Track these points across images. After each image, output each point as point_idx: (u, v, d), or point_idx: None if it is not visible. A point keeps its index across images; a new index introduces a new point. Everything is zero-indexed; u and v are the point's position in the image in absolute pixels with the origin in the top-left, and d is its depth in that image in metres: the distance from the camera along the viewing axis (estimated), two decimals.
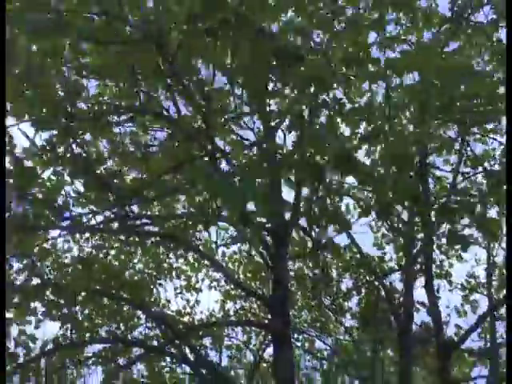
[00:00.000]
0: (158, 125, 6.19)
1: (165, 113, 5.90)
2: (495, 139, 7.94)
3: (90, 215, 6.06)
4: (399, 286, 10.17)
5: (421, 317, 9.66)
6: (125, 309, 8.93)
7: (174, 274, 10.03)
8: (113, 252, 9.11)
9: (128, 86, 5.50)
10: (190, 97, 5.20)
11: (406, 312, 9.12)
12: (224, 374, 8.08)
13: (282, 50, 4.36)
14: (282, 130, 5.87)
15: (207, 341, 9.88)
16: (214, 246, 8.59)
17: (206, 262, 9.62)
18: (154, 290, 9.89)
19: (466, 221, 5.20)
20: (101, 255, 8.63)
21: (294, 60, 4.41)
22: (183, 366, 8.93)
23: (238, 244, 9.63)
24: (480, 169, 7.45)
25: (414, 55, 5.28)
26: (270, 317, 7.83)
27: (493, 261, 10.13)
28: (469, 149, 7.58)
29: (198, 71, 5.14)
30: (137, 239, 8.54)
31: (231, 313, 10.61)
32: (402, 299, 9.37)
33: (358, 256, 10.07)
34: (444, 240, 9.12)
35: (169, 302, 10.07)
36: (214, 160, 5.58)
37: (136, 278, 9.60)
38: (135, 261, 9.77)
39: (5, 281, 4.66)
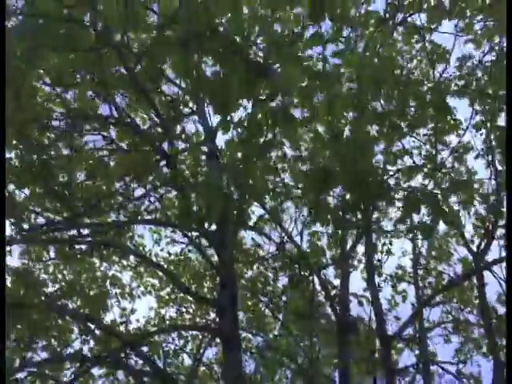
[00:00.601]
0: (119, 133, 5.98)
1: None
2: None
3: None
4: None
5: (359, 309, 10.15)
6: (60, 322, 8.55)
7: (108, 282, 9.71)
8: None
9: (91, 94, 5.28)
10: (150, 104, 5.07)
11: (342, 304, 9.49)
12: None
13: (254, 63, 4.38)
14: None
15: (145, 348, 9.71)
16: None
17: (143, 267, 9.44)
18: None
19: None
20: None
21: (264, 72, 4.45)
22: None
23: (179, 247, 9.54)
24: None
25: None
26: (217, 320, 7.83)
27: (418, 252, 10.78)
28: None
29: (162, 79, 5.03)
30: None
31: (169, 318, 10.46)
32: (337, 292, 9.76)
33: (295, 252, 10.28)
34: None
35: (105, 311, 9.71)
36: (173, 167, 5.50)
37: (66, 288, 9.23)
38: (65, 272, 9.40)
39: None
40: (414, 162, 8.75)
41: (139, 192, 7.10)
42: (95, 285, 9.38)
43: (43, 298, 8.04)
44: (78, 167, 6.02)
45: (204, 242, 8.27)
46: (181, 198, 5.62)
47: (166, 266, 9.25)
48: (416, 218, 7.24)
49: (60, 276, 9.33)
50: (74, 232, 6.89)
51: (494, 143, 8.91)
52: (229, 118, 5.64)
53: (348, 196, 5.30)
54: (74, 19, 4.07)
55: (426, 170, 8.67)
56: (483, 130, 8.90)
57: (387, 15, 8.20)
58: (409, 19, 8.76)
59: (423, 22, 8.43)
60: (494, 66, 8.19)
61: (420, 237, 10.25)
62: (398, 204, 5.49)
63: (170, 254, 9.87)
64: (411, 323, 9.07)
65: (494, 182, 8.77)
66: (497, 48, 8.53)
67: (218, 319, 7.68)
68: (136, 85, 4.67)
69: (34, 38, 3.75)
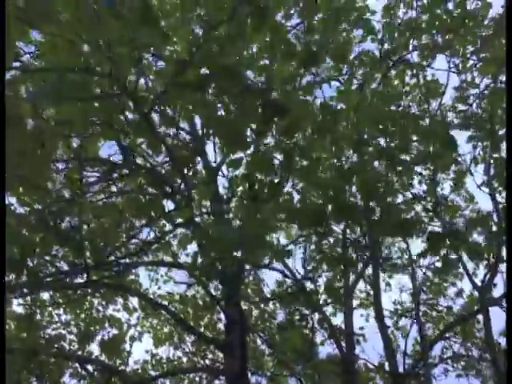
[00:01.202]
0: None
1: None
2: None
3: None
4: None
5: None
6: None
7: (107, 323, 9.48)
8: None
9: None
10: (160, 146, 5.05)
11: (348, 343, 9.35)
12: None
13: (270, 103, 4.41)
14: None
15: None
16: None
17: (143, 307, 9.27)
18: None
19: None
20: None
21: (281, 112, 4.47)
22: None
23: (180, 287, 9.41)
24: None
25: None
26: (223, 360, 7.67)
27: (418, 287, 10.70)
28: None
29: (176, 123, 5.04)
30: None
31: (170, 358, 10.23)
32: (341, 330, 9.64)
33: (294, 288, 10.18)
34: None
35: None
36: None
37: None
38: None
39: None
40: (413, 196, 8.86)
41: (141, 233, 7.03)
42: (95, 326, 9.17)
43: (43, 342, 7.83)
44: (86, 211, 5.92)
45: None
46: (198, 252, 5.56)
47: (167, 305, 9.07)
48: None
49: (56, 318, 9.15)
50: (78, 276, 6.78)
51: (493, 174, 8.99)
52: (239, 157, 5.68)
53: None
54: (87, 68, 4.06)
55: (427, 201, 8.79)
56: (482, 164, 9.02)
57: (381, 54, 8.32)
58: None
59: (416, 59, 8.59)
60: (490, 102, 8.34)
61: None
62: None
63: (169, 294, 9.72)
64: (421, 360, 8.94)
65: (495, 213, 8.80)
66: (492, 83, 8.68)
67: (224, 359, 7.51)
68: (149, 129, 4.65)
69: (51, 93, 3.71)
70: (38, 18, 3.51)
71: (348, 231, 8.46)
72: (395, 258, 9.79)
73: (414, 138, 6.29)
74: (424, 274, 10.50)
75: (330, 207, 4.60)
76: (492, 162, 8.82)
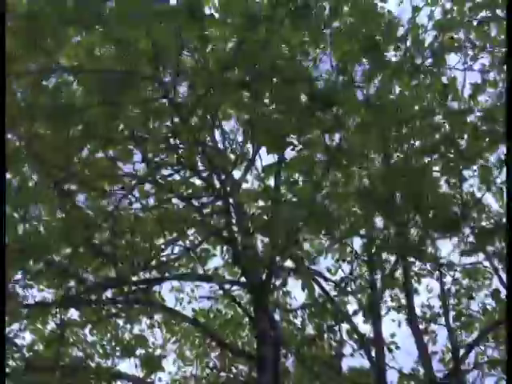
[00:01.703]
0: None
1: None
2: None
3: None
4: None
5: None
6: None
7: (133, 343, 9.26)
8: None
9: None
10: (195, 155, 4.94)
11: (378, 353, 9.12)
12: None
13: (317, 95, 4.30)
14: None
15: None
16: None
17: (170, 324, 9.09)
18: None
19: None
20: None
21: (328, 104, 4.36)
22: None
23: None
24: None
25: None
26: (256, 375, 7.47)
27: (446, 291, 10.46)
28: None
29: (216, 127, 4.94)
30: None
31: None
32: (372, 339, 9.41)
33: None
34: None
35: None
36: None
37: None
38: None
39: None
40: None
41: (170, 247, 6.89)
42: (121, 346, 8.95)
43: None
44: (119, 224, 5.79)
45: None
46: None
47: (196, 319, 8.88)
48: None
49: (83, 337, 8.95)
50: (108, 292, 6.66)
51: None
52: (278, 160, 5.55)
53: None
54: (134, 72, 3.96)
55: None
56: None
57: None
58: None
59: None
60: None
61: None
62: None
63: (194, 311, 9.54)
64: (458, 366, 8.69)
65: None
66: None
67: (257, 374, 7.31)
68: (191, 134, 4.53)
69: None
70: (89, 18, 3.41)
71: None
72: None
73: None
74: (453, 277, 10.29)
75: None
76: None
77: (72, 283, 5.93)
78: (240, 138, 5.94)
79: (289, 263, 8.70)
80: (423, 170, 4.87)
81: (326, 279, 9.40)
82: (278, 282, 9.45)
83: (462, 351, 9.44)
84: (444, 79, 8.68)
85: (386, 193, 4.71)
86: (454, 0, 6.88)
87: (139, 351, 9.15)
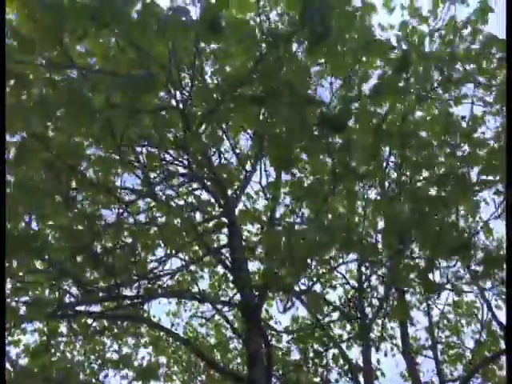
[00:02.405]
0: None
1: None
2: None
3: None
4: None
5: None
6: None
7: (121, 363, 9.08)
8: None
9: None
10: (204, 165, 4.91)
11: (367, 380, 9.02)
12: None
13: (327, 117, 4.32)
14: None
15: None
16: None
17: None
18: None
19: None
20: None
21: (338, 127, 4.38)
22: None
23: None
24: None
25: None
26: None
27: (433, 323, 10.43)
28: None
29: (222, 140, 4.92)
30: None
31: None
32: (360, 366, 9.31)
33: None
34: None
35: None
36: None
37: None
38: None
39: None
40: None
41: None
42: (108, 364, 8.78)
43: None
44: (120, 234, 5.71)
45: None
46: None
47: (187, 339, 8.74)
48: None
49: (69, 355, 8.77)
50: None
51: None
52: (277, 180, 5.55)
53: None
54: (150, 78, 3.94)
55: None
56: None
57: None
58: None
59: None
60: None
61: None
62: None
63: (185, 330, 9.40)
64: None
65: None
66: None
67: None
68: (198, 146, 4.52)
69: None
70: (111, 17, 3.40)
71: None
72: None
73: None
74: (442, 311, 10.29)
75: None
76: None
77: (67, 287, 5.79)
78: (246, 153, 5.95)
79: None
80: (433, 199, 4.89)
81: None
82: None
83: None
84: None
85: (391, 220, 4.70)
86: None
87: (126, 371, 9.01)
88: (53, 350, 7.80)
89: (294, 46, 4.45)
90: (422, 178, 5.52)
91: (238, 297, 7.36)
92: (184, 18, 3.88)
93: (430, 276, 4.98)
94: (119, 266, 5.64)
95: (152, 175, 6.06)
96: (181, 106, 4.47)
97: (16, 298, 4.96)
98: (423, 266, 4.82)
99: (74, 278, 5.27)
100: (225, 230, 6.52)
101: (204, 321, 9.18)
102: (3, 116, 3.54)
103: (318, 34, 4.26)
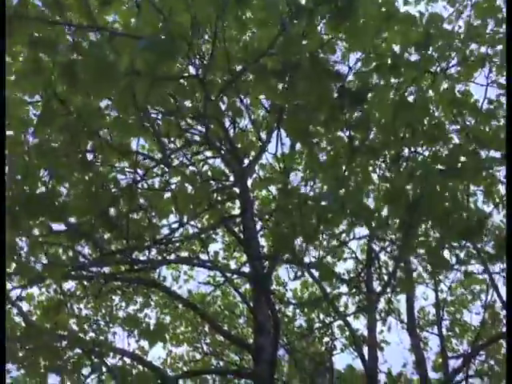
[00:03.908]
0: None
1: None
2: None
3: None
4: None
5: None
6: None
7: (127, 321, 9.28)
8: None
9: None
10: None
11: (371, 352, 9.18)
12: None
13: (347, 90, 4.30)
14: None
15: None
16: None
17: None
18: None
19: None
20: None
21: (357, 101, 4.36)
22: None
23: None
24: None
25: None
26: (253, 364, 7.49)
27: (441, 299, 10.53)
28: None
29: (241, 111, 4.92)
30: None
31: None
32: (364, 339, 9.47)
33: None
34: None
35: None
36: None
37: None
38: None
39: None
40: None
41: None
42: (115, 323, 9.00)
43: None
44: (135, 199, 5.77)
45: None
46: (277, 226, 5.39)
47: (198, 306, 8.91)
48: None
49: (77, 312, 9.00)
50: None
51: None
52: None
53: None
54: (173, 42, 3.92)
55: None
56: None
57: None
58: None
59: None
60: None
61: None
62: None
63: (189, 292, 9.57)
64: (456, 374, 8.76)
65: None
66: None
67: (254, 364, 7.33)
68: (217, 114, 4.53)
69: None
70: None
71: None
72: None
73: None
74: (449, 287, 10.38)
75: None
76: None
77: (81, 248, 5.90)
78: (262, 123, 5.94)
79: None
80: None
81: None
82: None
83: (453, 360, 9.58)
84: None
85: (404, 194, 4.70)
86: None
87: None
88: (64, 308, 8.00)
89: (317, 20, 4.40)
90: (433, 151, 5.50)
91: (248, 267, 7.50)
92: None
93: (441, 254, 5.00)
94: (133, 230, 5.72)
95: (168, 142, 6.10)
96: (201, 74, 4.47)
97: (32, 258, 5.06)
98: (434, 243, 4.83)
99: (89, 240, 5.35)
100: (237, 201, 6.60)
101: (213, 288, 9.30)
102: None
103: (340, 8, 4.22)
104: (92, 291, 7.63)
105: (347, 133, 4.72)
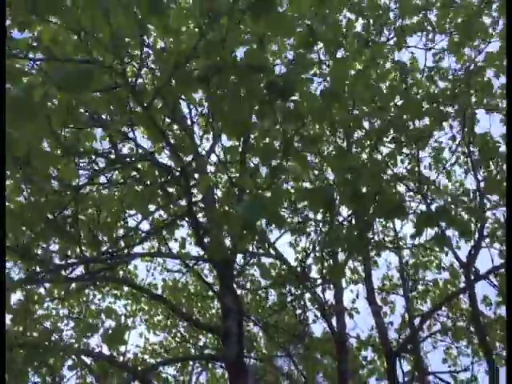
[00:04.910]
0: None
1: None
2: None
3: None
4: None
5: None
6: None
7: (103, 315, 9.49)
8: None
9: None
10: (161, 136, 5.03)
11: (339, 320, 9.57)
12: None
13: (275, 84, 4.44)
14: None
15: None
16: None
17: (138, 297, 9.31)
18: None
19: None
20: None
21: (286, 94, 4.50)
22: None
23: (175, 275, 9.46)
24: None
25: None
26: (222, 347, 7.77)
27: (405, 263, 10.94)
28: None
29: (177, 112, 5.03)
30: None
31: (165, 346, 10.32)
32: (332, 308, 9.84)
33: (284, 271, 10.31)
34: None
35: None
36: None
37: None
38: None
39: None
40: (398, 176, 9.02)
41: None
42: (92, 318, 9.19)
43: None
44: (84, 202, 5.90)
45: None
46: (211, 232, 5.60)
47: (164, 295, 9.14)
48: None
49: (54, 312, 9.17)
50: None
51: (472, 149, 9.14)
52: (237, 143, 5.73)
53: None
54: (89, 60, 4.03)
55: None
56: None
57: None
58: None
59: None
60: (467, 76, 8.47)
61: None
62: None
63: (164, 281, 9.78)
64: (415, 334, 9.19)
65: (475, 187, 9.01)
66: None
67: (223, 346, 7.62)
68: (151, 121, 4.64)
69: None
70: (43, 5, 3.46)
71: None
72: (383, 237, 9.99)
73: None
74: (411, 251, 10.76)
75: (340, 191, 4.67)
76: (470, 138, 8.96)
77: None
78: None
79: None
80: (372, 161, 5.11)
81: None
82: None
83: (418, 320, 10.02)
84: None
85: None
86: None
87: (108, 323, 9.42)
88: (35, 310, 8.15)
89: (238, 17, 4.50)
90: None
91: None
92: None
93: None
94: (85, 233, 5.87)
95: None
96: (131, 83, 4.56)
97: None
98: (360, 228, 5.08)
99: (38, 258, 5.48)
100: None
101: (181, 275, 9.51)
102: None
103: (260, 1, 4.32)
104: (58, 294, 7.77)
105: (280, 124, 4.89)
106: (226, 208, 5.00)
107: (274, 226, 5.01)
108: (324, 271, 7.44)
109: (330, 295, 11.68)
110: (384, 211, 4.61)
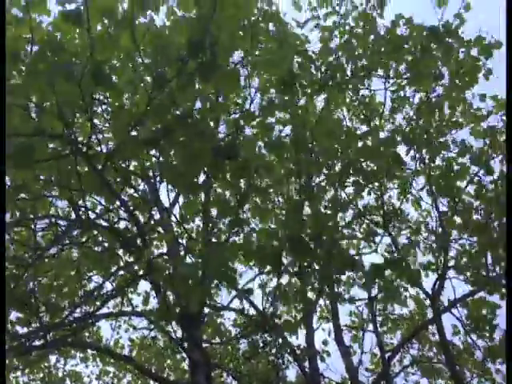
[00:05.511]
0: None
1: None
2: None
3: None
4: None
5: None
6: None
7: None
8: None
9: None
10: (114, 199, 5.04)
11: (311, 363, 9.47)
12: None
13: (220, 149, 4.54)
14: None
15: None
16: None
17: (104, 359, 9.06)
18: None
19: None
20: None
21: (231, 156, 4.60)
22: None
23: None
24: None
25: None
26: None
27: (374, 299, 10.95)
28: None
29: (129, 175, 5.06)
30: None
31: None
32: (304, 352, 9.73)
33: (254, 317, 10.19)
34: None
35: None
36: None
37: None
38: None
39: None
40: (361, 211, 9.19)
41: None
42: None
43: None
44: (41, 270, 5.80)
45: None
46: (159, 295, 5.56)
47: (128, 354, 8.92)
48: None
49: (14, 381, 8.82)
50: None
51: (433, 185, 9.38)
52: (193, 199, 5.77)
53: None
54: (38, 131, 4.06)
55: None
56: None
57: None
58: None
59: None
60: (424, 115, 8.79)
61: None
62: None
63: (131, 341, 9.55)
64: (385, 371, 9.18)
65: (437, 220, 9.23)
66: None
67: None
68: (104, 184, 4.65)
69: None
70: None
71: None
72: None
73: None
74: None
75: (286, 245, 4.75)
76: (431, 171, 9.23)
77: None
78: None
79: None
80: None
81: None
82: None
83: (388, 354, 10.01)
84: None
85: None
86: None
87: None
88: None
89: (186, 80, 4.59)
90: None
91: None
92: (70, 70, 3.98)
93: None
94: (44, 301, 5.74)
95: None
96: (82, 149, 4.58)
97: None
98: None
99: None
100: None
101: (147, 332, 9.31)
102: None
103: (206, 62, 4.44)
104: (21, 363, 7.51)
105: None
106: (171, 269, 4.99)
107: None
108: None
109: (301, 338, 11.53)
110: (337, 266, 4.71)
